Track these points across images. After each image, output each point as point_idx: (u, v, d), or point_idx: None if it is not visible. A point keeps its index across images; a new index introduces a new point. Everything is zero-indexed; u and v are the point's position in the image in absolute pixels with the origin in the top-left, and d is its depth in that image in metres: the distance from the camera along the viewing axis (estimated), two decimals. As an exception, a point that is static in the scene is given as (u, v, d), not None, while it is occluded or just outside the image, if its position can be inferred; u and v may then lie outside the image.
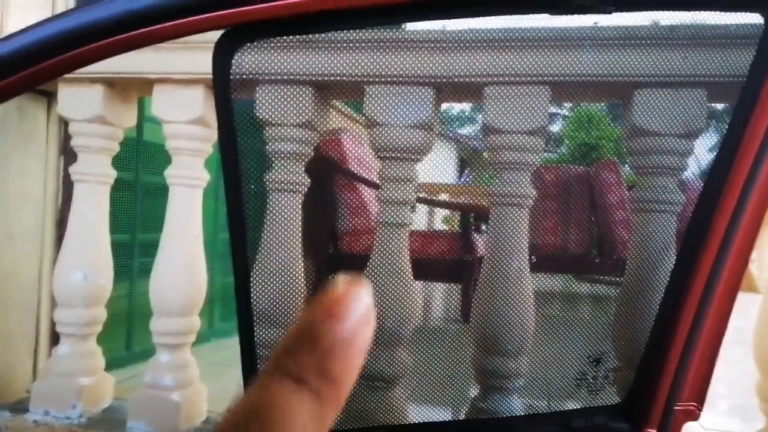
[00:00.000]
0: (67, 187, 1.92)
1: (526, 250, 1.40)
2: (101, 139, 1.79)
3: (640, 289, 1.15)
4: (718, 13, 0.70)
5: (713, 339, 0.79)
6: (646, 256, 1.22)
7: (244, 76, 0.64)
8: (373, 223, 3.65)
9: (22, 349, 1.91)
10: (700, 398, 0.80)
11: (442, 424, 1.01)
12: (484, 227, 3.98)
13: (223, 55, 0.59)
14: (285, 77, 1.46)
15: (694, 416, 0.81)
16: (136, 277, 2.48)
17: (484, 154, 1.52)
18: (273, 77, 1.44)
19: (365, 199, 3.66)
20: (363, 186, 3.65)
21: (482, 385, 1.33)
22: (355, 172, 3.67)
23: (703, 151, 1.22)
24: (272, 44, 0.61)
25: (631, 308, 1.17)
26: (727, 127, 0.77)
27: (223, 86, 0.61)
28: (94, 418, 1.71)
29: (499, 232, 1.41)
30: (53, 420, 1.69)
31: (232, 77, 0.60)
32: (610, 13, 0.57)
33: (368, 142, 1.59)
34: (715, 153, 0.80)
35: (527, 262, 1.39)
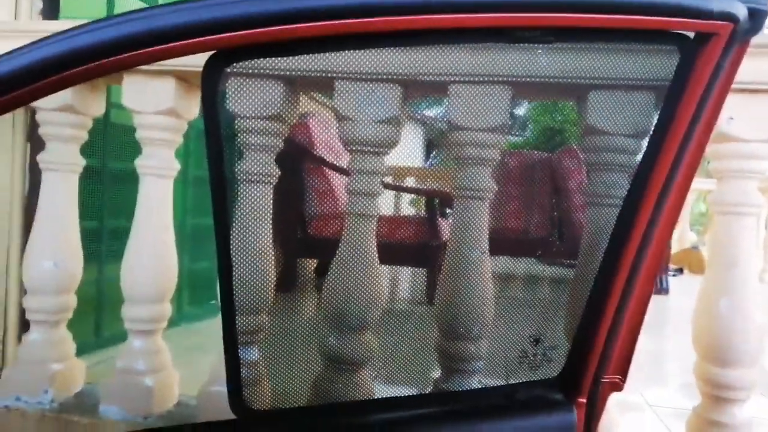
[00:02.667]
0: (34, 174, 1.92)
1: (487, 240, 1.48)
2: (70, 128, 1.79)
3: (581, 274, 1.25)
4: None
5: (636, 318, 0.89)
6: (588, 244, 1.32)
7: (230, 93, 0.70)
8: (340, 208, 3.71)
9: (-10, 336, 1.92)
10: (624, 371, 0.92)
11: (401, 399, 1.09)
12: (449, 212, 4.05)
13: (212, 75, 0.64)
14: (255, 73, 1.50)
15: (618, 387, 0.92)
16: (104, 263, 2.48)
17: (450, 135, 1.59)
18: (248, 75, 1.48)
19: (332, 184, 3.70)
20: (330, 171, 3.69)
21: (443, 366, 1.43)
22: (323, 156, 3.70)
23: (637, 150, 1.31)
24: (257, 63, 0.67)
25: (573, 291, 1.27)
26: (653, 129, 0.87)
27: (212, 104, 0.67)
28: (66, 403, 1.74)
29: (460, 224, 1.49)
30: (25, 405, 1.72)
31: (219, 95, 0.66)
32: (551, 43, 0.65)
33: (336, 130, 1.65)
34: (644, 152, 0.90)
35: (487, 253, 1.48)
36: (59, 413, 1.70)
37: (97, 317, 2.59)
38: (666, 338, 3.96)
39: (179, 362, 1.84)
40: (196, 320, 2.95)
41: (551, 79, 1.37)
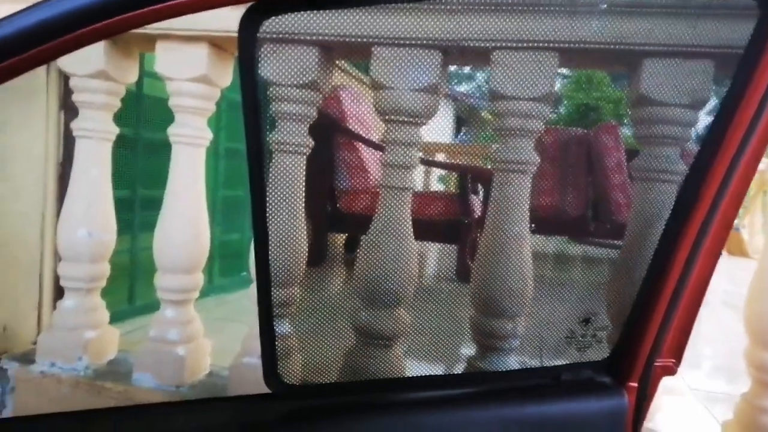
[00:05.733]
0: (68, 142, 1.92)
1: (527, 215, 1.43)
2: (103, 95, 1.77)
3: (633, 253, 1.18)
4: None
5: (694, 300, 0.84)
6: (640, 222, 1.25)
7: (268, 49, 0.65)
8: (370, 183, 3.66)
9: (26, 303, 1.94)
10: (678, 355, 0.86)
11: (439, 378, 1.05)
12: (480, 188, 3.99)
13: (249, 29, 0.60)
14: (292, 37, 1.45)
15: (671, 372, 0.87)
16: (138, 232, 2.49)
17: (483, 114, 1.52)
18: (284, 39, 1.43)
19: (363, 159, 3.65)
20: (361, 145, 3.63)
21: (479, 344, 1.38)
22: (354, 130, 3.65)
23: (702, 122, 1.23)
24: (293, 17, 0.62)
25: (622, 271, 1.21)
26: (723, 99, 0.80)
27: (249, 59, 0.62)
28: (99, 370, 1.76)
29: (501, 198, 1.43)
30: (60, 371, 1.74)
31: (257, 50, 0.61)
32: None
33: (370, 101, 1.59)
34: (710, 124, 0.83)
35: (528, 228, 1.42)
36: (93, 380, 1.71)
37: (131, 286, 2.62)
38: (700, 320, 3.85)
39: (210, 333, 1.84)
40: (227, 292, 2.96)
41: (605, 46, 1.29)
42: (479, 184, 3.82)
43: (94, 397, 1.67)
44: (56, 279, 1.86)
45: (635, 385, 0.86)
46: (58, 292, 1.88)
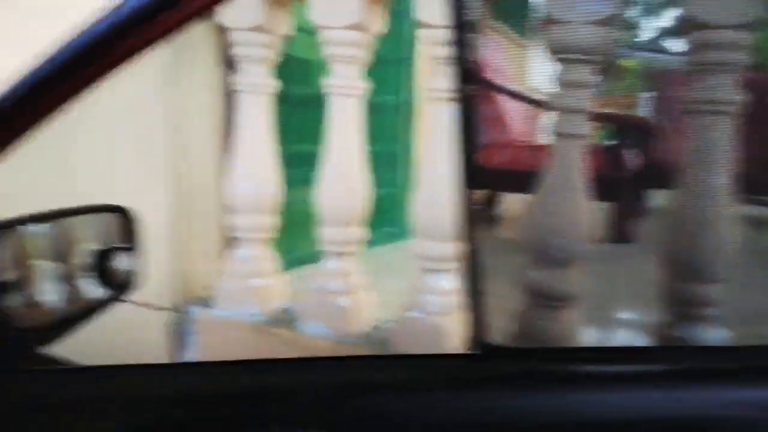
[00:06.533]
0: (231, 97, 1.97)
1: (730, 164, 1.25)
2: (261, 48, 1.79)
3: None
4: None
5: None
6: None
7: None
8: (510, 137, 3.47)
9: (203, 253, 2.07)
10: None
11: (641, 350, 0.95)
12: (630, 141, 3.64)
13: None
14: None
15: None
16: (289, 187, 2.56)
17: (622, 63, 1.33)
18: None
19: (503, 111, 3.47)
20: (500, 97, 3.45)
21: (680, 313, 1.25)
22: (493, 81, 3.45)
23: None
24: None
25: None
26: None
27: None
28: (271, 317, 1.84)
29: (699, 145, 1.27)
30: (235, 316, 1.85)
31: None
32: None
33: (506, 49, 1.46)
34: None
35: (731, 178, 1.25)
36: (266, 325, 1.80)
37: (289, 239, 2.71)
38: None
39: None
40: (376, 245, 2.99)
41: None
42: (629, 137, 3.48)
43: (268, 342, 1.76)
44: (229, 230, 1.95)
45: None
46: (232, 244, 1.97)
